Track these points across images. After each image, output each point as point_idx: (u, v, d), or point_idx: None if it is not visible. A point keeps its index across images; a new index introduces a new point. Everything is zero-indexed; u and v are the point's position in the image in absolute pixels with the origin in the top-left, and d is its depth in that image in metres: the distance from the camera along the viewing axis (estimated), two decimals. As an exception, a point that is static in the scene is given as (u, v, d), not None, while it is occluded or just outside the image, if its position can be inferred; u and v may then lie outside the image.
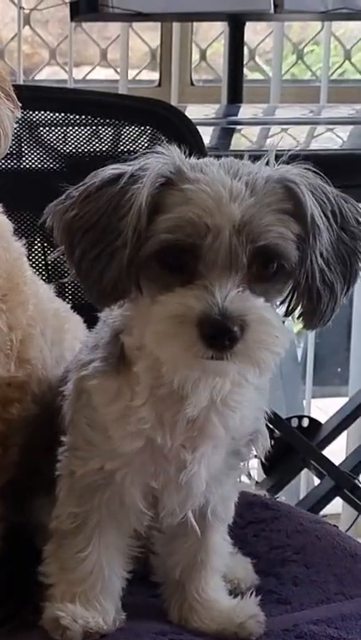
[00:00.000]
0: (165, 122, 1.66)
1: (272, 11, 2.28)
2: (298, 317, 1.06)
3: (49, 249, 1.67)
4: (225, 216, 0.98)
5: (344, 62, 2.83)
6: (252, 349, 0.98)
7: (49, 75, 2.74)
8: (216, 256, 0.98)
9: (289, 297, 1.05)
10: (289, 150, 1.08)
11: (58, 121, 1.70)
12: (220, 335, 0.97)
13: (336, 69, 2.84)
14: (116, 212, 1.01)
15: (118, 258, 1.01)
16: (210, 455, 1.11)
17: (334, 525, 1.45)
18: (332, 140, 2.30)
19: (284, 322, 1.05)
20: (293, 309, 1.06)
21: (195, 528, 1.16)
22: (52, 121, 1.69)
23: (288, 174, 1.03)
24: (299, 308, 1.05)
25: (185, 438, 1.09)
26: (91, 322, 1.24)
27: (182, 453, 1.09)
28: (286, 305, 1.06)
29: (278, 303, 1.05)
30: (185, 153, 1.05)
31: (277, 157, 1.07)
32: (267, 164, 1.05)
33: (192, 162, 1.04)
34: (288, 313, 1.06)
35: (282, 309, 1.06)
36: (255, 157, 1.07)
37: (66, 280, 1.09)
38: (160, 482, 1.12)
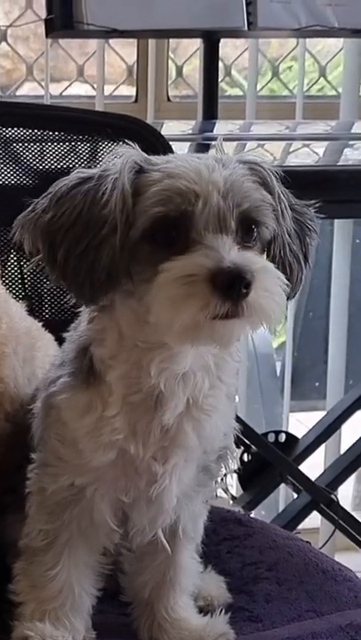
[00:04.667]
0: (140, 138, 1.67)
1: (246, 28, 2.29)
2: None
3: (25, 264, 1.67)
4: (211, 183, 1.01)
5: (319, 79, 2.85)
6: (263, 297, 0.99)
7: (29, 90, 2.74)
8: (207, 222, 1.00)
9: None
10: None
11: (33, 137, 1.70)
12: (236, 282, 0.97)
13: (311, 86, 2.86)
14: (95, 204, 1.02)
15: (108, 245, 1.01)
16: (181, 469, 1.11)
17: (307, 541, 1.45)
18: (309, 155, 2.32)
19: None
20: None
21: (165, 546, 1.16)
22: (27, 137, 1.69)
23: (249, 157, 1.09)
24: None
25: (157, 449, 1.09)
26: (64, 340, 1.24)
27: (153, 466, 1.09)
28: None
29: None
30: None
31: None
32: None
33: (155, 156, 1.07)
34: None
35: None
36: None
37: (51, 285, 1.08)
38: (130, 496, 1.11)
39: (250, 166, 1.07)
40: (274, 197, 1.07)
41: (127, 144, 1.08)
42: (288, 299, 1.07)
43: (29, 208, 1.07)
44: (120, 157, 1.05)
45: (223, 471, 1.18)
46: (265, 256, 1.08)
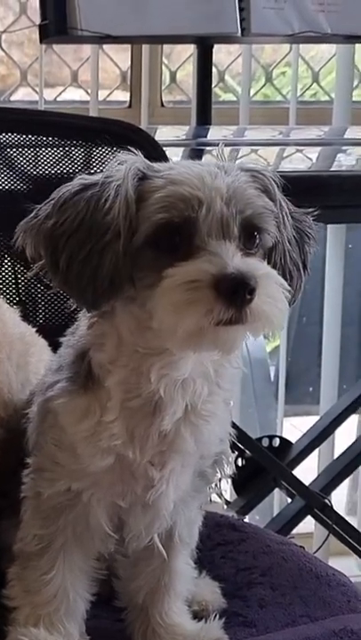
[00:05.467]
0: (133, 144, 1.67)
1: (239, 34, 2.30)
2: None
3: (19, 268, 1.67)
4: (213, 189, 1.01)
5: (312, 84, 2.86)
6: (266, 304, 1.00)
7: (24, 95, 2.75)
8: (210, 228, 1.01)
9: None
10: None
11: (27, 142, 1.70)
12: (240, 288, 0.98)
13: (305, 91, 2.87)
14: (98, 211, 1.02)
15: (111, 251, 1.01)
16: (178, 474, 1.11)
17: (301, 546, 1.45)
18: (302, 161, 2.32)
19: None
20: None
21: (161, 552, 1.16)
22: (21, 142, 1.70)
23: (250, 166, 1.09)
24: None
25: (154, 454, 1.09)
26: (60, 344, 1.24)
27: (150, 471, 1.09)
28: None
29: None
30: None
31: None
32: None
33: (158, 163, 1.07)
34: None
35: None
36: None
37: (53, 291, 1.08)
38: (127, 501, 1.11)
39: (252, 174, 1.07)
40: (275, 205, 1.07)
41: (129, 150, 1.08)
42: (289, 305, 1.07)
43: (32, 214, 1.07)
44: (122, 164, 1.05)
45: (218, 476, 1.18)
46: (266, 263, 1.08)
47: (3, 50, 2.66)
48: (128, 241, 1.01)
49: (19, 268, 1.67)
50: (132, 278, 1.03)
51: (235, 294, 0.98)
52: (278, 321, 1.02)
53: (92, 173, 1.66)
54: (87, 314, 1.10)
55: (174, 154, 2.06)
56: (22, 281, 1.67)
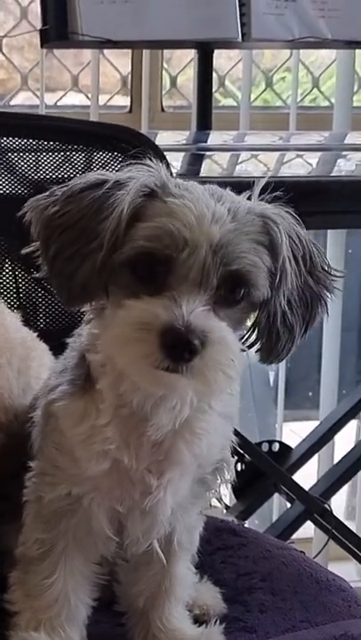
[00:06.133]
0: (134, 148, 1.67)
1: (240, 39, 2.30)
2: (255, 351, 1.07)
3: (20, 273, 1.67)
4: (204, 234, 0.99)
5: (312, 90, 2.86)
6: (208, 367, 0.98)
7: (24, 100, 2.75)
8: (188, 271, 0.99)
9: (249, 333, 1.07)
10: (261, 177, 1.10)
11: (28, 147, 1.70)
12: (181, 346, 0.97)
13: (305, 96, 2.87)
14: (96, 215, 1.02)
15: (92, 260, 1.01)
16: (177, 482, 1.11)
17: (301, 551, 1.45)
18: (302, 166, 2.32)
19: (243, 350, 1.06)
20: (252, 345, 1.07)
21: (160, 557, 1.16)
22: (22, 147, 1.70)
23: (269, 212, 1.05)
24: (258, 343, 1.06)
25: (151, 462, 1.09)
26: (60, 348, 1.24)
27: (148, 478, 1.09)
28: (245, 339, 1.07)
29: (238, 336, 1.06)
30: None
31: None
32: (249, 198, 1.07)
33: (178, 180, 1.05)
34: (247, 347, 1.07)
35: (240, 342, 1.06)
36: (228, 184, 1.09)
37: (38, 275, 1.08)
38: (125, 506, 1.11)
39: (265, 221, 1.04)
40: (277, 261, 1.03)
41: (152, 160, 1.06)
42: (265, 363, 1.06)
43: (46, 192, 1.06)
44: (140, 171, 1.04)
45: (219, 482, 1.18)
46: (253, 316, 1.05)
47: (3, 54, 2.66)
48: (108, 256, 1.01)
49: (19, 273, 1.67)
50: (106, 288, 1.03)
51: (174, 349, 0.97)
52: (218, 387, 1.01)
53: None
54: (86, 309, 1.10)
55: (175, 159, 2.06)
56: (23, 285, 1.67)
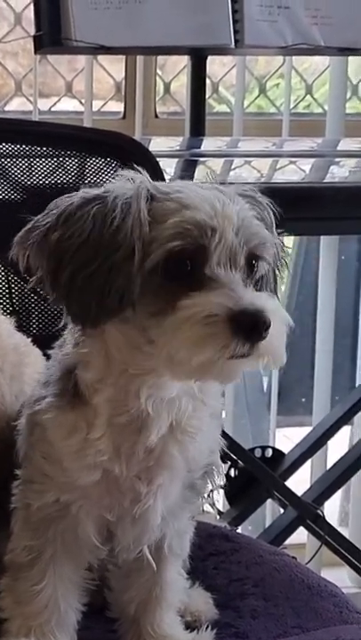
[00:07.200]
0: (127, 154, 1.68)
1: (233, 45, 2.31)
2: None
3: (13, 278, 1.67)
4: (227, 218, 1.01)
5: (306, 96, 2.87)
6: (275, 339, 1.00)
7: (18, 105, 2.75)
8: (220, 257, 1.00)
9: None
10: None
11: (21, 153, 1.70)
12: (258, 325, 0.98)
13: (298, 103, 2.87)
14: (106, 227, 1.00)
15: (124, 270, 0.99)
16: (166, 487, 1.11)
17: (293, 557, 1.45)
18: (295, 172, 2.33)
19: None
20: None
21: (151, 563, 1.16)
22: (15, 152, 1.70)
23: (250, 192, 1.09)
24: None
25: (141, 469, 1.09)
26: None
27: (137, 485, 1.09)
28: None
29: None
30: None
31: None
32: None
33: (159, 182, 1.06)
34: None
35: None
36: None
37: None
38: (115, 514, 1.11)
39: (249, 201, 1.07)
40: (272, 233, 1.08)
41: (135, 168, 1.06)
42: None
43: (29, 225, 1.05)
44: (128, 181, 1.04)
45: (209, 487, 1.18)
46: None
47: (-4, 60, 2.67)
48: (141, 262, 1.00)
49: (12, 278, 1.67)
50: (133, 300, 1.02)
51: (252, 330, 0.98)
52: (283, 356, 1.03)
53: (87, 183, 1.69)
54: (74, 331, 1.09)
55: (168, 165, 2.07)
56: (16, 291, 1.67)
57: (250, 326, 0.98)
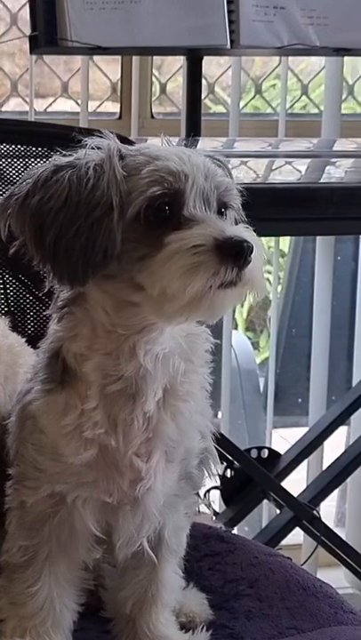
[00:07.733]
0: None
1: (229, 46, 2.31)
2: None
3: (8, 279, 1.67)
4: (196, 166, 1.07)
5: (302, 97, 2.87)
6: (256, 268, 1.05)
7: (14, 106, 2.75)
8: (196, 200, 1.05)
9: None
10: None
11: (17, 153, 1.70)
12: (243, 250, 1.03)
13: (294, 104, 2.88)
14: (83, 187, 1.04)
15: (105, 224, 1.03)
16: (164, 469, 1.12)
17: (288, 558, 1.45)
18: (291, 173, 2.33)
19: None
20: None
21: (151, 557, 1.16)
22: (11, 153, 1.70)
23: (209, 152, 1.14)
24: None
25: (140, 443, 1.09)
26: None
27: (136, 462, 1.10)
28: None
29: None
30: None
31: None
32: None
33: (128, 146, 1.11)
34: None
35: None
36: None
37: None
38: (115, 498, 1.11)
39: (211, 159, 1.12)
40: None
41: (101, 135, 1.10)
42: None
43: (7, 194, 1.08)
44: (97, 148, 1.07)
45: (206, 476, 1.18)
46: None
47: (-7, 60, 2.66)
48: (121, 214, 1.04)
49: (7, 279, 1.67)
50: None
51: (238, 256, 1.02)
52: (265, 285, 1.08)
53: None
54: (57, 306, 1.11)
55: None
56: (11, 291, 1.67)
57: (236, 251, 1.02)
